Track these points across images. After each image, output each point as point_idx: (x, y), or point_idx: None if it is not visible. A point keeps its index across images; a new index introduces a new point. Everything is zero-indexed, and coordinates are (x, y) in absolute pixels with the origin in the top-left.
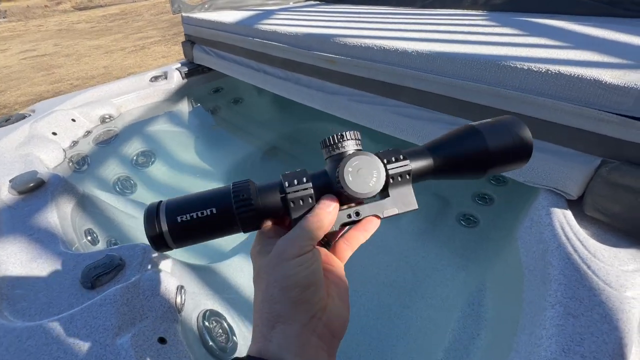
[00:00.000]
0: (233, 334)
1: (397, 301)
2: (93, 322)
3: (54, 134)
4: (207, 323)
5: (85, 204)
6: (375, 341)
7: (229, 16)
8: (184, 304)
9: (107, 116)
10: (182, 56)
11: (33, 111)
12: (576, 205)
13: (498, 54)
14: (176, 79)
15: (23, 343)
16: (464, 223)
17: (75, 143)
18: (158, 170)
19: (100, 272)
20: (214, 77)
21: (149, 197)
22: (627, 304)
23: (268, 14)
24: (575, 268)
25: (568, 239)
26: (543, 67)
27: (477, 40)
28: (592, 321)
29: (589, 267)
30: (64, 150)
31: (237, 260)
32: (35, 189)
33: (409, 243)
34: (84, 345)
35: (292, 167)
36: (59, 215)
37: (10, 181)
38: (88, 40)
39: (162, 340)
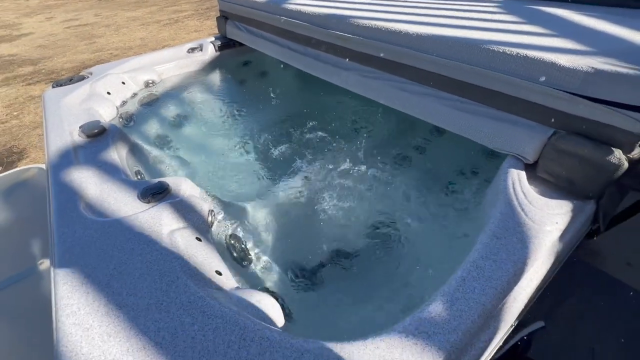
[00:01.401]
0: (248, 252)
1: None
2: (151, 220)
3: (109, 93)
4: (232, 241)
5: (135, 151)
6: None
7: None
8: (214, 222)
9: (150, 81)
10: (214, 31)
11: (91, 73)
12: (533, 168)
13: (482, 38)
14: (210, 52)
15: (105, 230)
16: (451, 188)
17: (124, 103)
18: (191, 130)
19: (154, 192)
20: (243, 51)
21: (182, 152)
22: (542, 234)
23: None
24: (512, 209)
25: (514, 190)
26: (515, 50)
27: (471, 25)
28: (509, 242)
29: (522, 209)
30: (116, 107)
31: (257, 205)
32: (99, 135)
33: (404, 203)
34: (145, 234)
35: (309, 136)
36: (119, 156)
37: (80, 127)
38: (126, 11)
39: (198, 239)
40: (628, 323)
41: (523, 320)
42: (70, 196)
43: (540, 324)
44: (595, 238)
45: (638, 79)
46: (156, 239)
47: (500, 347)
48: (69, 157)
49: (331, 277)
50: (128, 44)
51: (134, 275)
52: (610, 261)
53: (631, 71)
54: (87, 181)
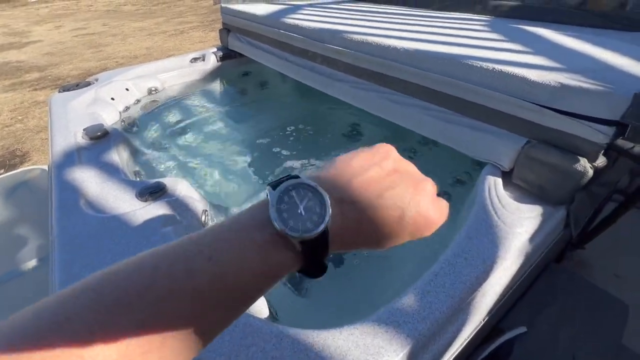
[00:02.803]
0: None
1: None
2: (147, 217)
3: (112, 99)
4: None
5: (136, 155)
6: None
7: (262, 9)
8: (207, 222)
9: (153, 89)
10: (217, 42)
11: (97, 79)
12: (509, 175)
13: (463, 54)
14: (212, 62)
15: (104, 225)
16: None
17: (127, 108)
18: (190, 136)
19: (151, 191)
20: (244, 62)
21: (181, 156)
22: (512, 236)
23: (295, 9)
24: (485, 212)
25: (490, 195)
26: (492, 66)
27: (454, 42)
28: (481, 242)
29: (495, 213)
30: (119, 112)
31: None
32: (102, 137)
33: None
34: (141, 230)
35: (308, 145)
36: (119, 158)
37: (84, 130)
38: (133, 22)
39: None
40: (610, 331)
41: (504, 325)
42: (71, 193)
43: (522, 329)
44: (584, 248)
45: (599, 93)
46: (152, 234)
47: (481, 350)
48: (72, 157)
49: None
50: (134, 53)
51: None
52: (597, 272)
53: (592, 86)
54: (88, 180)
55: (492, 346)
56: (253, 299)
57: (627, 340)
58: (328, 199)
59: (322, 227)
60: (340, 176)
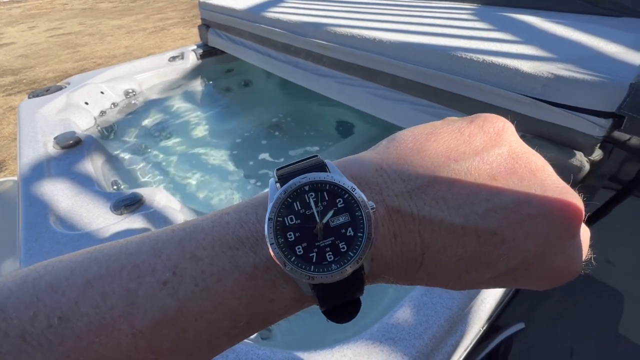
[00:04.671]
0: None
1: None
2: (123, 233)
3: (86, 103)
4: None
5: (113, 162)
6: None
7: (241, 3)
8: None
9: (130, 91)
10: (200, 39)
11: (68, 83)
12: None
13: (452, 45)
14: (192, 60)
15: (74, 243)
16: None
17: (103, 113)
18: (172, 141)
19: (127, 203)
20: (226, 59)
21: (163, 162)
22: None
23: (275, 2)
24: None
25: None
26: (482, 57)
27: (443, 33)
28: None
29: None
30: (94, 118)
31: None
32: (74, 146)
33: None
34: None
35: (293, 144)
36: (94, 167)
37: (54, 138)
38: (111, 19)
39: None
40: (607, 322)
41: (502, 322)
42: (40, 209)
43: (520, 325)
44: None
45: (594, 84)
46: None
47: (480, 349)
48: (41, 169)
49: None
50: (112, 53)
51: None
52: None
53: (588, 77)
54: (59, 194)
55: (491, 345)
56: (218, 352)
57: (623, 329)
58: (372, 214)
59: (351, 267)
60: (403, 167)
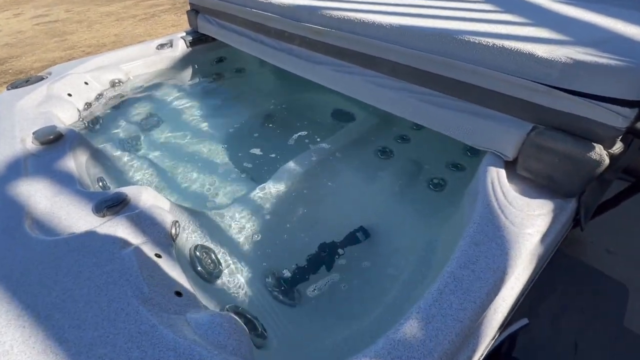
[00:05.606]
0: (219, 264)
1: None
2: (104, 238)
3: (69, 95)
4: (197, 253)
5: (98, 157)
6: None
7: None
8: (178, 234)
9: (116, 81)
10: (189, 25)
11: (49, 73)
12: (512, 165)
13: (457, 28)
14: (181, 48)
15: (51, 250)
16: (432, 187)
17: (88, 105)
18: (162, 132)
19: (110, 204)
20: (217, 46)
21: (152, 156)
22: (522, 239)
23: None
24: (491, 211)
25: (494, 190)
26: (490, 41)
27: (446, 15)
28: (489, 248)
29: (502, 211)
30: (78, 110)
31: (232, 210)
32: (55, 141)
33: (381, 200)
34: (96, 254)
35: (287, 134)
36: (76, 164)
37: (33, 133)
38: (99, 6)
39: (158, 256)
40: (609, 315)
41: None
42: (15, 213)
43: (524, 321)
44: (581, 230)
45: (618, 70)
46: (108, 259)
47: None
48: (17, 168)
49: (314, 283)
50: (101, 41)
51: (79, 304)
52: (590, 249)
53: (612, 62)
54: (36, 194)
55: (496, 342)
56: None
57: (628, 322)
58: None
59: None
60: None
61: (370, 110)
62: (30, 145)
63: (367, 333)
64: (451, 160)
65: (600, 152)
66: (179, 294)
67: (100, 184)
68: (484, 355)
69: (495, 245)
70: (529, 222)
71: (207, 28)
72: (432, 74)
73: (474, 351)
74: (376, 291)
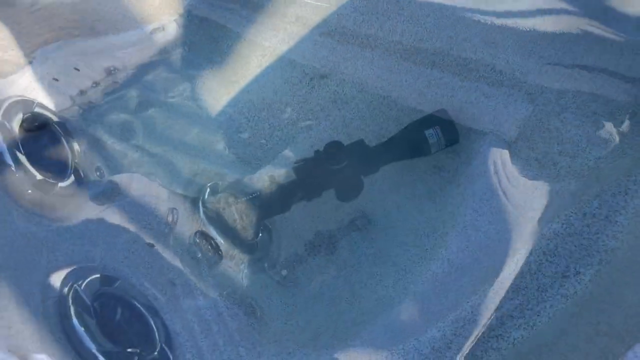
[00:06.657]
0: (219, 250)
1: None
2: (101, 224)
3: (55, 79)
4: (197, 240)
5: (94, 145)
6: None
7: None
8: (176, 222)
9: (111, 68)
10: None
11: (34, 58)
12: (513, 145)
13: (457, 5)
14: (174, 31)
15: (59, 236)
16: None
17: (82, 92)
18: (157, 118)
19: (106, 193)
20: (210, 26)
21: (150, 142)
22: (522, 220)
23: None
24: (492, 193)
25: (496, 171)
26: (489, 19)
27: None
28: (488, 233)
29: (504, 193)
30: (70, 97)
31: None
32: (43, 128)
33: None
34: (94, 240)
35: (282, 118)
36: (70, 151)
37: (23, 121)
38: None
39: (151, 245)
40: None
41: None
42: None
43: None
44: None
45: (630, 43)
46: (104, 245)
47: None
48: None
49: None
50: None
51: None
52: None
53: (619, 37)
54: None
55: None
56: None
57: None
58: None
59: None
60: None
61: (365, 91)
62: (18, 132)
63: None
64: None
65: (610, 130)
66: (172, 283)
67: (98, 173)
68: (478, 337)
69: (493, 228)
70: (530, 204)
71: (200, 8)
72: (430, 50)
73: (466, 337)
74: None
